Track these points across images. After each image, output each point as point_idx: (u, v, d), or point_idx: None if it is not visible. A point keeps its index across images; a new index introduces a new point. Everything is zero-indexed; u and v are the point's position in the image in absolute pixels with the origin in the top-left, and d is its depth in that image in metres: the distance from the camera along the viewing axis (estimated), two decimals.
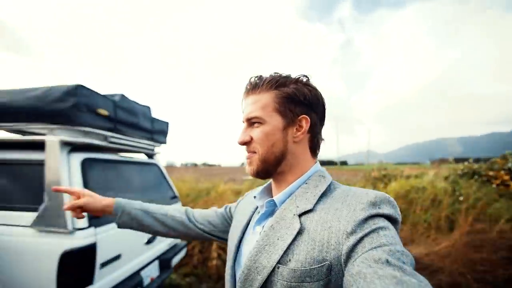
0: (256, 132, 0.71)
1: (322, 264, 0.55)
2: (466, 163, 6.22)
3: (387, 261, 0.46)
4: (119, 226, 0.94)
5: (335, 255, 0.55)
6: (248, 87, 0.74)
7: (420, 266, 3.54)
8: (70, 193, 0.95)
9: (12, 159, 1.92)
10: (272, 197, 0.76)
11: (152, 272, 2.44)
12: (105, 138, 2.16)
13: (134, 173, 2.63)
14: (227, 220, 0.99)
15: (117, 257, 1.99)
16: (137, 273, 2.21)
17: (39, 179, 1.80)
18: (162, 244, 2.69)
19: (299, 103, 0.70)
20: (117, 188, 2.30)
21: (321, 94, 0.74)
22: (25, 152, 1.92)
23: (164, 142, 3.10)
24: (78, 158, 1.93)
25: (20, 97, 1.88)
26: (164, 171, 3.16)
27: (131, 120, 2.44)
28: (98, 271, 1.79)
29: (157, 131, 2.92)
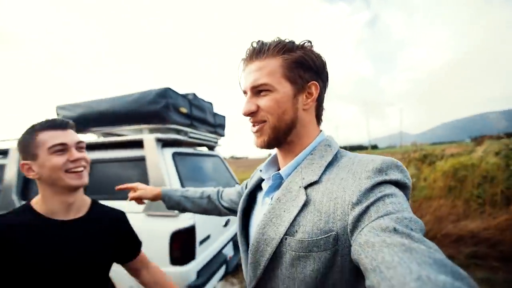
0: (265, 101, 0.66)
1: (329, 234, 0.55)
2: None
3: (395, 229, 0.45)
4: (168, 209, 1.17)
5: (341, 225, 0.55)
6: (250, 53, 0.68)
7: (478, 240, 3.54)
8: (130, 188, 1.20)
9: (119, 157, 2.25)
10: (279, 169, 0.77)
11: (229, 252, 2.73)
12: (186, 133, 2.43)
13: (205, 164, 2.91)
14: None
15: (208, 237, 2.28)
16: (220, 251, 2.51)
17: (143, 172, 2.11)
18: (234, 226, 2.98)
19: (308, 68, 0.67)
20: (196, 177, 2.59)
21: (325, 61, 0.71)
22: (127, 150, 2.24)
23: (223, 135, 3.35)
24: (169, 152, 2.22)
25: (120, 102, 2.18)
26: (225, 162, 3.43)
27: (202, 116, 2.70)
28: (198, 248, 2.08)
29: (218, 125, 3.18)
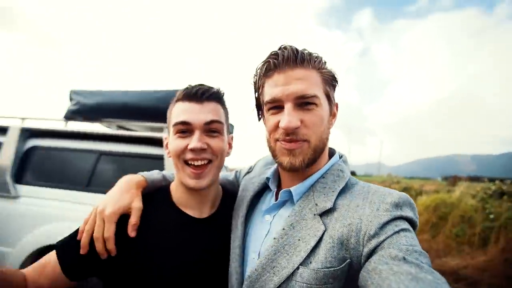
0: (311, 116, 0.61)
1: (345, 263, 0.54)
2: (497, 182, 6.35)
3: (404, 258, 0.45)
4: None
5: (354, 254, 0.54)
6: (292, 57, 0.60)
7: (458, 277, 3.71)
8: None
9: (137, 152, 2.16)
10: (281, 183, 0.73)
11: None
12: None
13: None
14: (236, 186, 0.94)
15: None
16: None
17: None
18: None
19: (334, 88, 0.66)
20: None
21: None
22: (146, 147, 2.17)
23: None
24: None
25: (145, 98, 2.13)
26: (227, 169, 3.40)
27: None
28: None
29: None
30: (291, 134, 0.61)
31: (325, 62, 0.65)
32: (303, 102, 0.60)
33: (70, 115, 2.40)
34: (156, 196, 0.78)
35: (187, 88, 0.73)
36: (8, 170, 2.28)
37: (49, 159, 2.36)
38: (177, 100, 0.74)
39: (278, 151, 0.65)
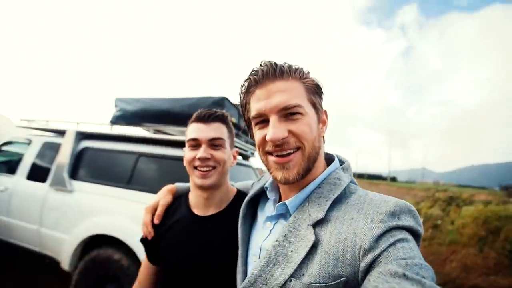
0: (298, 125, 0.60)
1: (339, 280, 0.52)
2: None
3: (404, 275, 0.43)
4: None
5: (351, 271, 0.51)
6: (270, 72, 0.61)
7: None
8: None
9: (171, 154, 2.36)
10: (279, 192, 0.73)
11: None
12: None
13: (239, 172, 2.98)
14: None
15: None
16: None
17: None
18: None
19: (320, 95, 0.66)
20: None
21: None
22: (179, 150, 2.35)
23: None
24: None
25: (178, 104, 2.32)
26: (257, 172, 3.49)
27: (244, 126, 2.80)
28: None
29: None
30: (282, 145, 0.61)
31: (308, 72, 0.66)
32: (288, 113, 0.61)
33: (115, 120, 2.70)
34: (181, 199, 1.02)
35: (198, 112, 0.94)
36: (65, 168, 2.64)
37: (97, 159, 2.69)
38: (191, 122, 0.95)
39: (271, 166, 0.64)
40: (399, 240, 0.49)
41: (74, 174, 2.67)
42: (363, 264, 0.49)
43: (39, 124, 3.13)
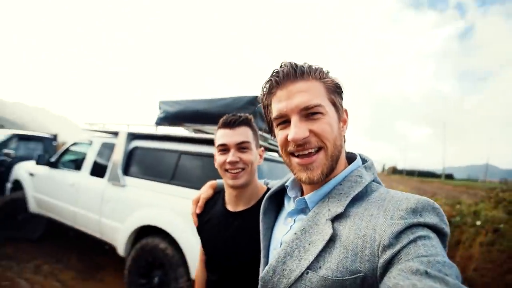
0: (319, 125, 0.61)
1: (356, 275, 0.51)
2: None
3: (426, 273, 0.41)
4: None
5: (369, 267, 0.51)
6: (291, 73, 0.63)
7: None
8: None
9: (209, 152, 2.50)
10: (301, 190, 0.74)
11: None
12: (266, 140, 2.57)
13: (275, 169, 3.02)
14: None
15: None
16: None
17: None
18: None
19: (340, 95, 0.67)
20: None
21: None
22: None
23: None
24: None
25: (214, 105, 2.45)
26: None
27: (264, 128, 2.82)
28: None
29: None
30: (304, 145, 0.61)
31: (327, 72, 0.66)
32: (309, 113, 0.62)
33: (159, 121, 2.95)
34: (219, 194, 1.13)
35: (224, 118, 1.01)
36: (119, 165, 2.97)
37: (145, 157, 2.96)
38: (218, 128, 1.01)
39: (294, 167, 0.66)
40: (420, 237, 0.48)
41: (126, 170, 2.99)
42: (382, 260, 0.49)
43: (98, 126, 3.56)
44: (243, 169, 0.95)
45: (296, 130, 0.61)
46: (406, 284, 0.41)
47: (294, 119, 0.62)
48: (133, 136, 3.11)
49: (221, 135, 0.98)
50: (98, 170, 3.25)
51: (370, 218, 0.55)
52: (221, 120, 1.00)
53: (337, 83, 0.67)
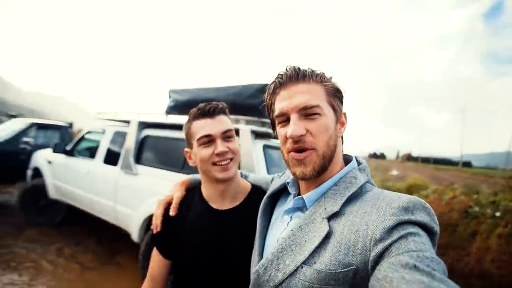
0: (315, 125, 0.65)
1: (349, 268, 0.54)
2: None
3: (415, 266, 0.44)
4: None
5: (361, 260, 0.54)
6: (293, 75, 0.68)
7: None
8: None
9: None
10: (299, 188, 0.77)
11: None
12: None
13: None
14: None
15: None
16: None
17: None
18: None
19: (340, 99, 0.71)
20: (281, 169, 2.68)
21: None
22: None
23: None
24: (260, 144, 2.36)
25: (223, 93, 2.40)
26: None
27: (269, 126, 2.76)
28: None
29: None
30: (299, 142, 0.65)
31: (330, 77, 0.71)
32: (307, 113, 0.66)
33: (169, 110, 2.94)
34: (194, 192, 1.02)
35: (199, 108, 0.91)
36: (131, 153, 3.01)
37: (156, 145, 2.99)
38: (194, 119, 0.92)
39: (290, 162, 0.69)
40: (410, 234, 0.51)
41: (138, 159, 3.04)
42: (373, 254, 0.52)
43: (110, 115, 3.60)
44: (231, 159, 0.89)
45: (294, 127, 0.65)
46: (395, 276, 0.43)
47: (294, 117, 0.66)
48: (144, 125, 3.13)
49: (201, 126, 0.88)
50: (112, 158, 3.32)
51: (363, 215, 0.58)
52: (195, 110, 0.92)
53: (337, 88, 0.71)
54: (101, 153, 3.51)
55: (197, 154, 0.91)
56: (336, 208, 0.62)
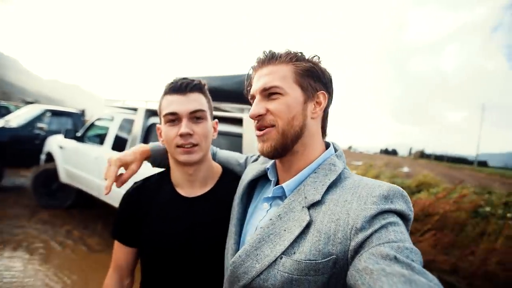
0: (275, 104, 0.66)
1: (329, 258, 0.54)
2: None
3: (395, 258, 0.44)
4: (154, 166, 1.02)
5: (341, 249, 0.53)
6: (262, 59, 0.70)
7: None
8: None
9: (220, 130, 2.50)
10: (278, 176, 0.75)
11: None
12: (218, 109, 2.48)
13: None
14: (244, 169, 0.97)
15: None
16: None
17: (238, 147, 2.30)
18: None
19: (317, 78, 0.69)
20: None
21: (331, 76, 0.72)
22: (228, 125, 2.47)
23: None
24: None
25: (229, 81, 2.39)
26: None
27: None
28: None
29: None
30: (259, 122, 0.68)
31: (309, 58, 0.71)
32: (268, 93, 0.67)
33: None
34: (161, 174, 0.94)
35: (172, 82, 0.84)
36: (138, 141, 3.06)
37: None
38: (165, 94, 0.84)
39: (256, 140, 0.72)
40: (390, 223, 0.51)
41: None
42: (353, 243, 0.52)
43: (119, 103, 3.66)
44: (195, 144, 0.81)
45: (254, 107, 0.68)
46: (376, 268, 0.43)
47: (256, 99, 0.69)
48: (150, 113, 3.16)
49: (169, 102, 0.81)
50: (119, 145, 3.38)
51: (344, 203, 0.58)
52: (167, 84, 0.84)
53: (310, 67, 0.68)
54: (109, 139, 3.58)
55: (164, 132, 0.84)
56: (317, 197, 0.61)
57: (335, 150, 0.74)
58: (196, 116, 0.82)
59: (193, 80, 0.84)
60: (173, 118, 0.81)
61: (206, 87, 0.89)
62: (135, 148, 0.96)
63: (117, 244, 0.92)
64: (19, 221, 3.93)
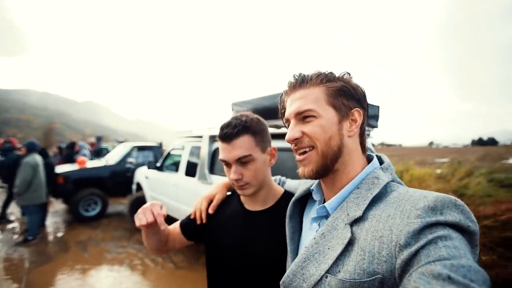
0: (310, 127, 0.67)
1: (374, 277, 0.51)
2: None
3: (449, 278, 0.39)
4: None
5: (387, 268, 0.50)
6: (293, 83, 0.71)
7: None
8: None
9: (282, 147, 2.58)
10: (323, 195, 0.75)
11: None
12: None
13: None
14: None
15: None
16: None
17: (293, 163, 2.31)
18: None
19: (350, 97, 0.68)
20: None
21: (365, 91, 0.70)
22: (283, 142, 2.53)
23: (376, 126, 3.09)
24: None
25: (275, 100, 2.46)
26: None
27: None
28: None
29: (370, 116, 2.95)
30: (297, 145, 0.70)
31: (339, 76, 0.71)
32: (302, 117, 0.69)
33: None
34: (234, 195, 1.10)
35: (221, 128, 0.93)
36: (205, 165, 3.36)
37: None
38: (218, 139, 0.95)
39: (297, 163, 0.73)
40: (440, 238, 0.46)
41: (212, 169, 3.36)
42: (399, 261, 0.48)
43: (187, 133, 4.11)
44: (248, 183, 0.91)
45: (290, 131, 0.70)
46: None
47: (291, 123, 0.71)
48: (214, 138, 3.46)
49: (221, 149, 0.92)
50: (191, 171, 3.77)
51: (387, 219, 0.55)
52: (219, 130, 0.93)
53: (342, 86, 0.69)
54: (182, 166, 4.03)
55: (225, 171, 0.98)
56: (358, 213, 0.60)
57: (381, 163, 0.72)
58: (242, 162, 0.89)
59: (236, 125, 0.89)
60: (225, 163, 0.92)
61: (255, 121, 0.94)
62: (219, 184, 1.16)
63: (178, 226, 1.10)
64: (121, 241, 4.67)
